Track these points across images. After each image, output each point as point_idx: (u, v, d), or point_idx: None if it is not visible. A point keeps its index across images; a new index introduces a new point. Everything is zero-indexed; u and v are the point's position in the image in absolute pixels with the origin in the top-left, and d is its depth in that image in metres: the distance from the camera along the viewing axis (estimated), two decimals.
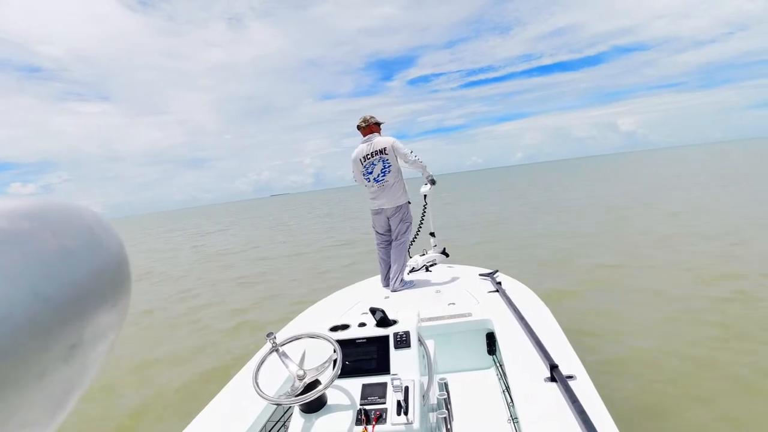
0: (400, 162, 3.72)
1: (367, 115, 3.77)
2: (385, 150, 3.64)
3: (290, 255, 11.58)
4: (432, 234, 4.40)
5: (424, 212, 4.27)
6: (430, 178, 3.89)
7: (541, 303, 2.66)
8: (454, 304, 2.87)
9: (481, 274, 3.51)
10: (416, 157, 3.67)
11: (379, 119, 3.78)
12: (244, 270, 10.29)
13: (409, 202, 3.83)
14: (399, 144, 3.66)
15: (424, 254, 4.18)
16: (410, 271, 4.12)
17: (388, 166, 3.67)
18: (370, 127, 3.73)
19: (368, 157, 3.69)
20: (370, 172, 3.72)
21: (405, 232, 3.81)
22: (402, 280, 3.69)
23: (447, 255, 4.27)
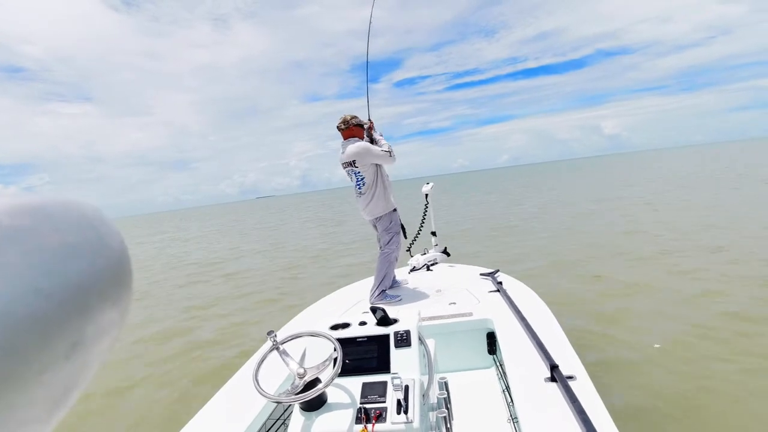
0: (383, 168, 3.36)
1: (348, 115, 3.30)
2: (354, 162, 3.25)
3: (271, 270, 9.90)
4: (433, 233, 4.39)
5: (426, 211, 4.26)
6: (388, 152, 3.30)
7: (542, 303, 2.65)
8: (454, 303, 2.87)
9: (482, 274, 3.50)
10: (383, 149, 3.26)
11: (362, 120, 3.35)
12: (221, 289, 8.66)
13: (395, 210, 3.47)
14: (368, 149, 3.21)
15: (425, 253, 4.18)
16: (411, 270, 4.11)
17: (362, 179, 3.30)
18: (350, 130, 3.28)
19: (345, 165, 3.35)
20: (352, 181, 3.39)
21: (389, 243, 3.43)
22: (382, 292, 3.33)
23: (448, 254, 4.27)
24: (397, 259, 3.51)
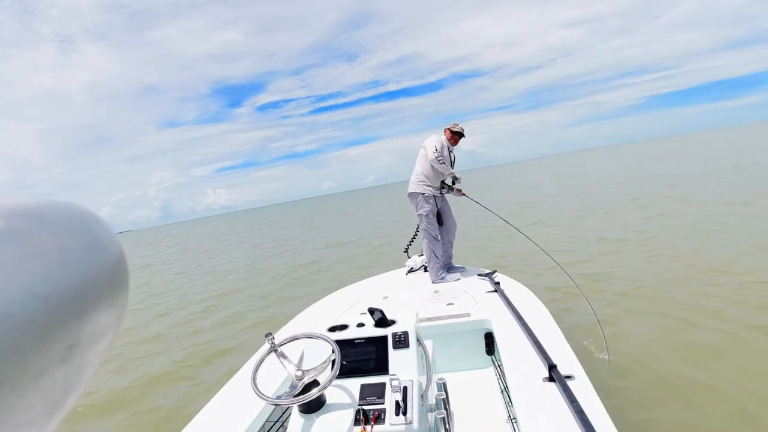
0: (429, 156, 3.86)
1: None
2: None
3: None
4: None
5: None
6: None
7: (540, 303, 2.66)
8: (452, 304, 2.87)
9: (479, 274, 3.51)
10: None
11: (449, 126, 4.02)
12: None
13: (417, 193, 3.88)
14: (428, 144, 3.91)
15: (422, 255, 4.19)
16: (408, 272, 4.13)
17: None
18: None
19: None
20: None
21: (420, 224, 3.92)
22: (435, 271, 3.72)
23: None
24: (436, 238, 3.87)
